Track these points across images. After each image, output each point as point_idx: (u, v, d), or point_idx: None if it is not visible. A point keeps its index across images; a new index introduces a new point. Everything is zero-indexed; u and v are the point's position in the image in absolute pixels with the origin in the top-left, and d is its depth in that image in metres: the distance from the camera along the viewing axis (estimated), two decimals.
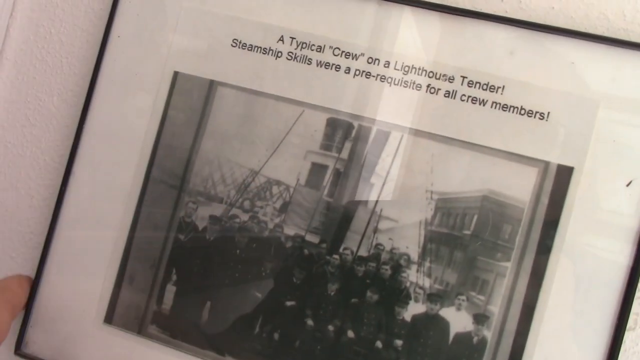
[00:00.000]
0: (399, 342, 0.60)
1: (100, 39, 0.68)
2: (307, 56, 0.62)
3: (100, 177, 0.67)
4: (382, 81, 0.61)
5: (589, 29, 0.59)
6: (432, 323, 0.59)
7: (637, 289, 0.55)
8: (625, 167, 0.56)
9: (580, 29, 0.58)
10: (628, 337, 0.57)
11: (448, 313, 0.59)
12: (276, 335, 0.62)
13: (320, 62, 0.62)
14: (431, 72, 0.60)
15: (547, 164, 0.57)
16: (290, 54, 0.63)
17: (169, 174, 0.65)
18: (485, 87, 0.59)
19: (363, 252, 0.61)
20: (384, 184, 0.61)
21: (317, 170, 0.62)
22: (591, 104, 0.57)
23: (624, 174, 0.56)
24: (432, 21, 0.60)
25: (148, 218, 0.65)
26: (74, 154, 0.68)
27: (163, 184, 0.65)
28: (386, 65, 0.61)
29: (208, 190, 0.64)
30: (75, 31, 0.72)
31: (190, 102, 0.65)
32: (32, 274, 0.68)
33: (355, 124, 0.61)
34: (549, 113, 0.58)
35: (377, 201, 0.61)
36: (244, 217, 0.63)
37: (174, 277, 0.64)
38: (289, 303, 0.62)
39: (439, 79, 0.60)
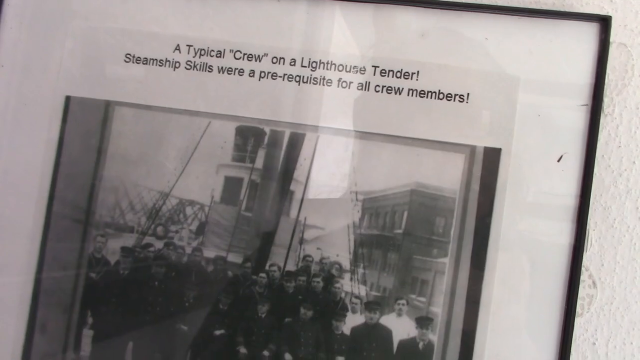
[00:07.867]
0: (340, 359, 0.55)
1: None
2: (207, 63, 0.58)
3: None
4: (290, 81, 0.56)
5: (499, 3, 0.56)
6: (374, 333, 0.54)
7: (582, 272, 0.52)
8: (553, 142, 0.53)
9: (491, 4, 0.55)
10: (578, 324, 0.53)
11: (389, 320, 0.54)
12: None
13: (222, 67, 0.57)
14: (340, 65, 0.56)
15: (473, 148, 0.54)
16: (188, 62, 0.58)
17: (72, 206, 0.59)
18: (399, 74, 0.55)
19: (291, 267, 0.56)
20: (305, 191, 0.56)
21: (231, 184, 0.57)
22: (511, 79, 0.54)
23: (553, 150, 0.53)
24: (336, 11, 0.56)
25: (54, 258, 0.59)
26: None
27: (67, 219, 0.59)
28: (292, 64, 0.56)
29: (116, 220, 0.58)
30: None
31: (87, 127, 0.59)
32: None
33: (267, 129, 0.57)
34: (468, 94, 0.54)
35: (299, 210, 0.56)
36: (159, 244, 0.58)
37: (90, 320, 0.58)
38: (218, 332, 0.56)
39: (349, 71, 0.56)
